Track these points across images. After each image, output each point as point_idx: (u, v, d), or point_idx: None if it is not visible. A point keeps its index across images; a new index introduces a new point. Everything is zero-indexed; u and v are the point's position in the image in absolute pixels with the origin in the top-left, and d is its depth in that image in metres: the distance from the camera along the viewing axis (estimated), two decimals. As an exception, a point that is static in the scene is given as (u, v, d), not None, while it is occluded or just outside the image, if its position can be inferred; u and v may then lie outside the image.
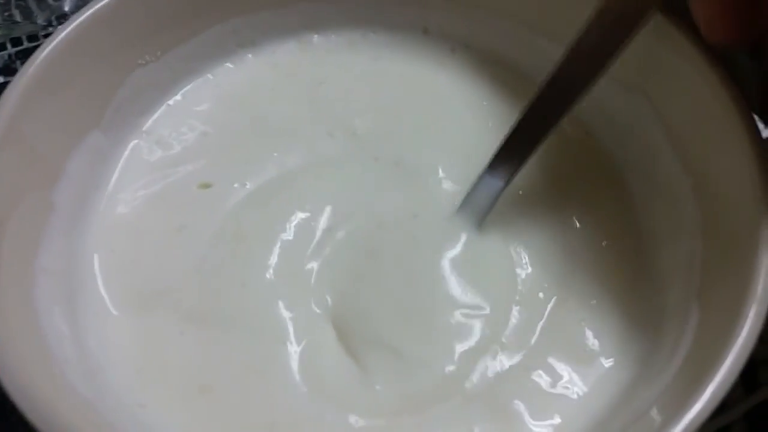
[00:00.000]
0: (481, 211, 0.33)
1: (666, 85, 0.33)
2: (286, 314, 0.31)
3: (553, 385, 0.30)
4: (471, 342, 0.31)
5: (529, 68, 0.39)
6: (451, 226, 0.33)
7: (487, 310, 0.31)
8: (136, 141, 0.36)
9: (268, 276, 0.32)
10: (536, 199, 0.35)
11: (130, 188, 0.35)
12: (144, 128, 0.37)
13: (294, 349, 0.30)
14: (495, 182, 0.33)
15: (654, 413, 0.26)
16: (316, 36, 0.40)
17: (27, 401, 0.24)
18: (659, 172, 0.34)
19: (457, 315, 0.31)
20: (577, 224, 0.34)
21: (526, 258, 0.33)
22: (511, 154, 0.33)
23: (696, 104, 0.31)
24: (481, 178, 0.33)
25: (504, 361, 0.31)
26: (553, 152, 0.36)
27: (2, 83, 0.44)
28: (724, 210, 0.30)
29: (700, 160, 0.32)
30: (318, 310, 0.32)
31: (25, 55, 0.45)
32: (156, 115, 0.37)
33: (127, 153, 0.36)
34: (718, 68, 0.30)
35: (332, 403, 0.29)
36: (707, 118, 0.31)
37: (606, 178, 0.36)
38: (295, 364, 0.30)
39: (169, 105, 0.38)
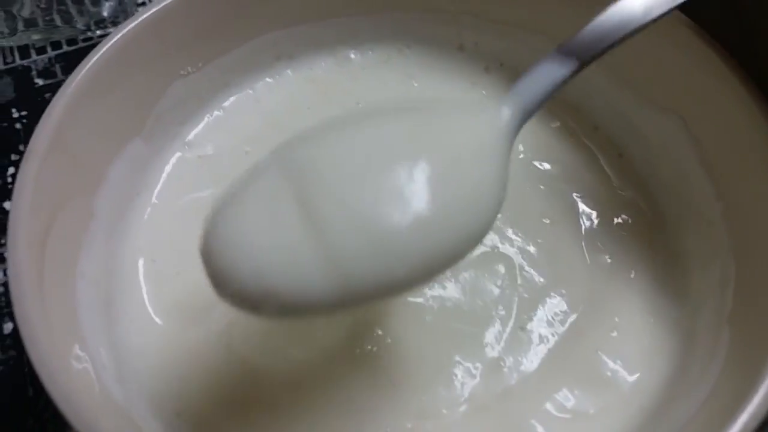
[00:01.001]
0: (535, 99, 0.27)
1: (702, 109, 0.33)
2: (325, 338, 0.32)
3: (570, 409, 0.30)
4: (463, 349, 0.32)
5: (564, 89, 0.38)
6: (490, 104, 0.27)
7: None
8: (179, 154, 0.37)
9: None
10: (562, 222, 0.35)
11: (175, 203, 0.35)
12: (186, 139, 0.37)
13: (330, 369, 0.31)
14: (561, 68, 0.27)
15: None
16: (352, 51, 0.41)
17: (68, 405, 0.24)
18: (691, 196, 0.34)
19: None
20: (605, 253, 0.34)
21: (544, 280, 0.34)
22: (592, 37, 0.27)
23: (731, 129, 0.32)
24: (544, 60, 0.27)
25: (512, 380, 0.31)
26: (584, 171, 0.37)
27: (42, 86, 0.45)
28: (756, 235, 0.30)
29: (733, 185, 0.32)
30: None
31: (65, 58, 0.46)
32: (198, 129, 0.38)
33: (170, 166, 0.37)
34: (755, 93, 0.30)
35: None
36: (741, 144, 0.31)
37: (638, 199, 0.36)
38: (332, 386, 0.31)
39: (210, 118, 0.38)
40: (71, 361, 0.27)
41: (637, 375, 0.31)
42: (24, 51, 0.46)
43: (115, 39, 0.32)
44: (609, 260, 0.34)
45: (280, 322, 0.29)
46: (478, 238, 0.25)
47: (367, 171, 0.23)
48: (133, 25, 0.33)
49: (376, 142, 0.24)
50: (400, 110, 0.26)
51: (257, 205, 0.23)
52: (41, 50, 0.46)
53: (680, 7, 0.32)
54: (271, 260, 0.22)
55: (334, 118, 0.26)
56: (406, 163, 0.23)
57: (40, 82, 0.45)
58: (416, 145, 0.24)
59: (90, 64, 0.32)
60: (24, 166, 0.28)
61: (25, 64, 0.46)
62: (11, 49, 0.46)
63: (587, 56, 0.27)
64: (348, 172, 0.23)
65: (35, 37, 0.46)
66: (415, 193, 0.23)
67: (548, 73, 0.27)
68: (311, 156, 0.24)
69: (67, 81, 0.31)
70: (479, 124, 0.26)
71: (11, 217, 0.27)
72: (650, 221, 0.35)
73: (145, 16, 0.33)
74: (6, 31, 0.45)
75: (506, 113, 0.26)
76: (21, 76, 0.45)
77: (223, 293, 0.23)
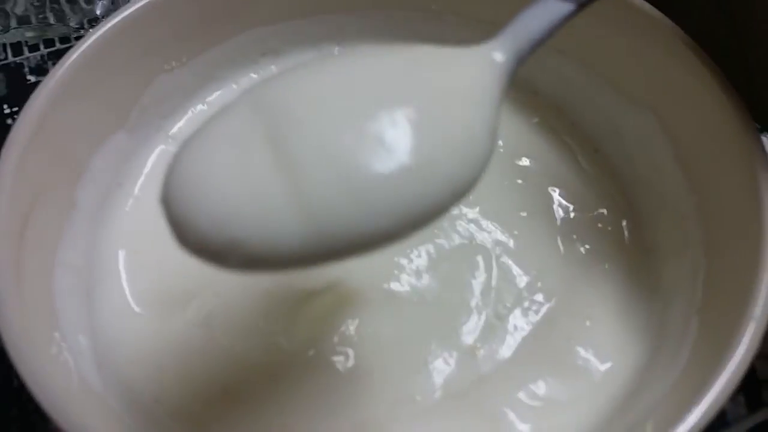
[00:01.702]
0: (529, 42, 0.24)
1: (675, 104, 0.34)
2: (302, 327, 0.32)
3: (542, 397, 0.31)
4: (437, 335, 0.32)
5: (544, 86, 0.39)
6: (481, 45, 0.24)
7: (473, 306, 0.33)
8: (163, 147, 0.37)
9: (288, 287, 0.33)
10: (538, 215, 0.36)
11: (158, 195, 0.36)
12: (169, 133, 0.38)
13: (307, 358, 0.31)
14: (557, 10, 0.24)
15: (649, 427, 0.27)
16: (337, 48, 0.41)
17: (43, 391, 0.25)
18: (665, 189, 0.34)
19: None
20: (580, 245, 0.35)
21: (521, 270, 0.34)
22: None
23: (704, 123, 0.32)
24: (538, 2, 0.25)
25: (486, 368, 0.31)
26: (561, 166, 0.37)
27: (34, 83, 0.45)
28: (728, 229, 0.30)
29: (706, 179, 0.32)
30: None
31: (57, 56, 0.46)
32: (181, 123, 0.38)
33: (153, 158, 0.37)
34: (729, 92, 0.31)
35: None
36: (715, 138, 0.31)
37: (613, 193, 0.36)
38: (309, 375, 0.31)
39: (194, 112, 0.39)
40: (49, 349, 0.27)
41: (609, 364, 0.31)
42: (17, 48, 0.47)
43: (100, 32, 0.33)
44: (584, 252, 0.34)
45: (247, 275, 0.26)
46: (464, 190, 0.22)
47: (348, 112, 0.21)
48: (118, 18, 0.33)
49: (358, 83, 0.22)
50: (383, 51, 0.24)
51: (223, 144, 0.21)
52: (34, 47, 0.47)
53: (668, 10, 0.32)
54: (237, 205, 0.20)
55: (313, 59, 0.24)
56: (389, 106, 0.21)
57: (32, 79, 0.46)
58: (400, 87, 0.22)
59: (74, 56, 0.32)
60: (4, 154, 0.29)
61: (18, 61, 0.46)
62: (4, 46, 0.47)
63: None
64: (327, 113, 0.21)
65: (28, 34, 0.47)
66: (397, 138, 0.21)
67: (544, 15, 0.24)
68: (286, 94, 0.22)
69: (51, 73, 0.31)
70: (469, 66, 0.23)
71: (-12, 205, 0.28)
72: (625, 214, 0.36)
73: (130, 10, 0.34)
74: (-1, 28, 0.46)
75: (499, 56, 0.24)
76: (13, 72, 0.46)
77: (184, 242, 0.21)
